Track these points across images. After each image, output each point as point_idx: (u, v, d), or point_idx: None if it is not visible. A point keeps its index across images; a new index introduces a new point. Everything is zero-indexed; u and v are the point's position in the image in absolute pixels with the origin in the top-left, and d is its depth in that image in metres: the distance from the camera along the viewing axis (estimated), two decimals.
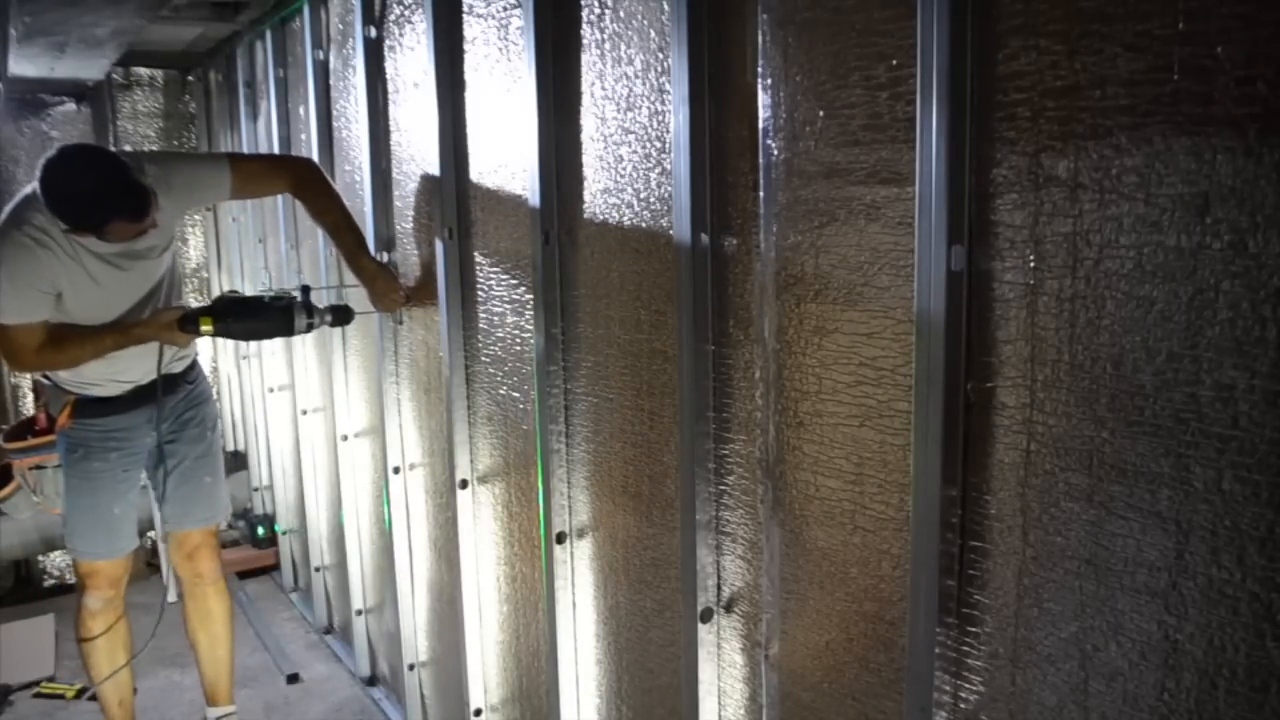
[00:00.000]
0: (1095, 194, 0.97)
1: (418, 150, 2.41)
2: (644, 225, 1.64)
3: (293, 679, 3.35)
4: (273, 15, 3.36)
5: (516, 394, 2.12)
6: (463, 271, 2.27)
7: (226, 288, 4.44)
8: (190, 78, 4.67)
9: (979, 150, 1.08)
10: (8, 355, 2.37)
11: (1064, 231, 1.01)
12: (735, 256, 1.46)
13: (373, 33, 2.56)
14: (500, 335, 2.16)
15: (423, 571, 2.75)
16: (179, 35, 3.89)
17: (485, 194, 2.16)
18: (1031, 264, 1.05)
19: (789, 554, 1.42)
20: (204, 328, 2.31)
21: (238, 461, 4.55)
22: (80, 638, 2.69)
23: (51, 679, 3.39)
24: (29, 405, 4.41)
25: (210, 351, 4.74)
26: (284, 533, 4.07)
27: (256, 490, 4.40)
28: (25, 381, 4.41)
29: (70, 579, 4.23)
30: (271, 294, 2.43)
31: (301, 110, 3.25)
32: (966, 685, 1.17)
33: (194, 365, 2.73)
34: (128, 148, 4.48)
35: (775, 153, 1.35)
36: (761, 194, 1.38)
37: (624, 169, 1.67)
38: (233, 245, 4.30)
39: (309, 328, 2.43)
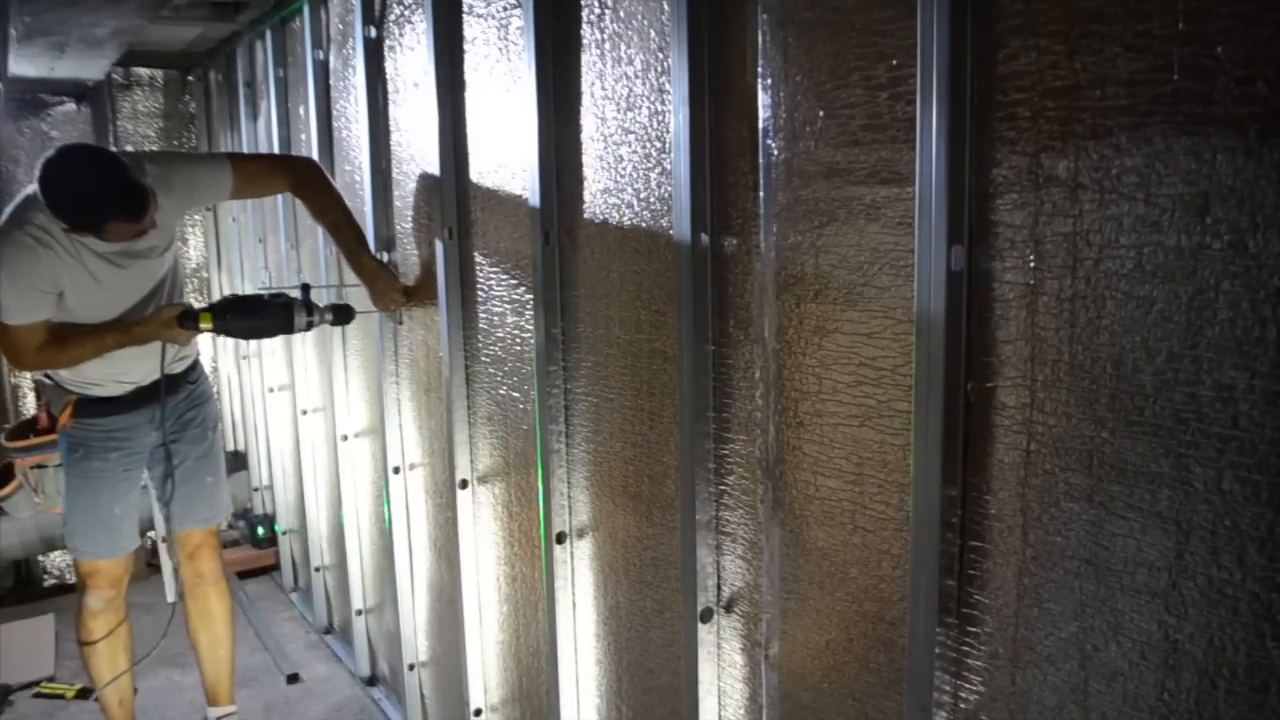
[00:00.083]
0: (1095, 194, 0.97)
1: (418, 150, 2.41)
2: (644, 225, 1.64)
3: (293, 679, 3.35)
4: (273, 15, 3.36)
5: (516, 394, 2.12)
6: (463, 271, 2.28)
7: (226, 288, 4.45)
8: (190, 78, 4.67)
9: (979, 150, 1.08)
10: (9, 354, 2.38)
11: (1064, 231, 1.01)
12: (735, 256, 1.46)
13: (373, 33, 2.56)
14: (500, 335, 2.16)
15: (423, 571, 2.75)
16: (179, 35, 3.89)
17: (485, 194, 2.16)
18: (1031, 264, 1.04)
19: (789, 554, 1.42)
20: (204, 325, 2.32)
21: (238, 461, 4.55)
22: (81, 640, 2.68)
23: (51, 679, 3.39)
24: (30, 405, 4.42)
25: (210, 351, 4.74)
26: (284, 533, 4.07)
27: (256, 490, 4.40)
28: (26, 381, 4.41)
29: (70, 579, 4.23)
30: (271, 292, 2.44)
31: (301, 110, 3.25)
32: (966, 685, 1.17)
33: (195, 365, 2.74)
34: (128, 148, 4.48)
35: (775, 153, 1.35)
36: (761, 194, 1.38)
37: (624, 169, 1.67)
38: (233, 245, 4.30)
39: (309, 326, 2.43)
